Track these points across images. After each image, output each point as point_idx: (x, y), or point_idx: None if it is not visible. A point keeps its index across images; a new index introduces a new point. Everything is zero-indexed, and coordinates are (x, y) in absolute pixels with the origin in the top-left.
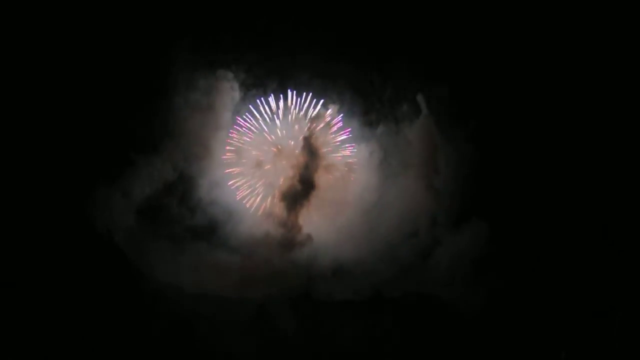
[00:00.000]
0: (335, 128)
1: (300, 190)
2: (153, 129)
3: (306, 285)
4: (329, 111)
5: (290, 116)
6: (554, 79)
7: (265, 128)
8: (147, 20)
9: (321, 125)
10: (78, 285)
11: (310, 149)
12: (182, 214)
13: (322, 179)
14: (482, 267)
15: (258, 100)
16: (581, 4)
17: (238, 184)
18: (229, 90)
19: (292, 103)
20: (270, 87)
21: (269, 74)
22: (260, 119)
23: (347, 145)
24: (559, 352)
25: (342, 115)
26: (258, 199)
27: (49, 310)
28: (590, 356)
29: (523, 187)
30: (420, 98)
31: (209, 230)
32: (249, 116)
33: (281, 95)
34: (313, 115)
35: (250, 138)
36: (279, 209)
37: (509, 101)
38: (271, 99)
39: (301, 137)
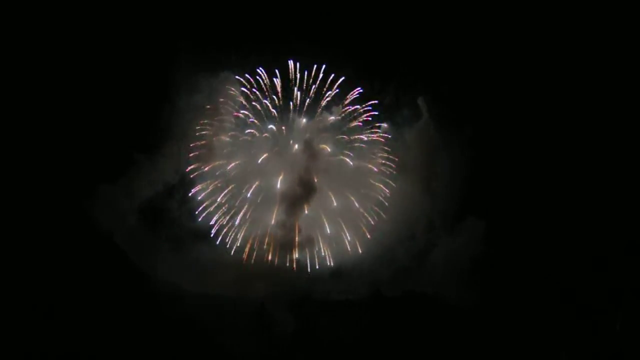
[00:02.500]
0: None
1: (301, 193)
2: (156, 130)
3: (306, 286)
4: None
5: (291, 118)
6: (548, 84)
7: (266, 129)
8: (151, 25)
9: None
10: (79, 284)
11: (312, 152)
12: (183, 215)
13: (323, 181)
14: (479, 266)
15: (257, 102)
16: (573, 15)
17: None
18: (232, 92)
19: (294, 104)
20: (272, 89)
21: (270, 77)
22: (261, 119)
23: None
24: (559, 353)
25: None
26: (239, 237)
27: (50, 308)
28: (591, 356)
29: (519, 188)
30: (421, 101)
31: (209, 231)
32: (251, 118)
33: (282, 96)
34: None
35: (250, 137)
36: (280, 213)
37: (506, 104)
38: (272, 99)
39: (304, 140)
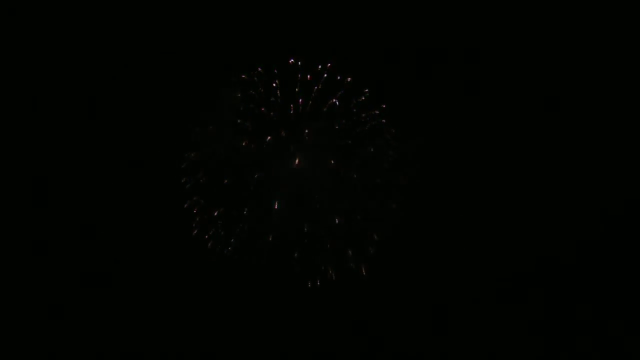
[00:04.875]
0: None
1: (302, 206)
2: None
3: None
4: None
5: (292, 123)
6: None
7: (265, 136)
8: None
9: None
10: None
11: (314, 162)
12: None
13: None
14: None
15: (256, 106)
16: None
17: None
18: (231, 95)
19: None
20: (272, 91)
21: (270, 78)
22: (259, 125)
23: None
24: None
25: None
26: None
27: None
28: None
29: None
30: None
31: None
32: (249, 123)
33: (283, 99)
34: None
35: (249, 144)
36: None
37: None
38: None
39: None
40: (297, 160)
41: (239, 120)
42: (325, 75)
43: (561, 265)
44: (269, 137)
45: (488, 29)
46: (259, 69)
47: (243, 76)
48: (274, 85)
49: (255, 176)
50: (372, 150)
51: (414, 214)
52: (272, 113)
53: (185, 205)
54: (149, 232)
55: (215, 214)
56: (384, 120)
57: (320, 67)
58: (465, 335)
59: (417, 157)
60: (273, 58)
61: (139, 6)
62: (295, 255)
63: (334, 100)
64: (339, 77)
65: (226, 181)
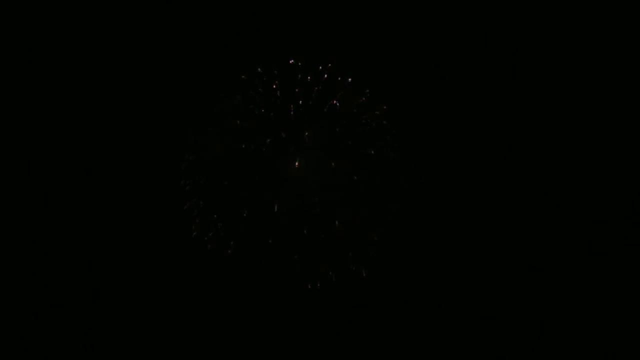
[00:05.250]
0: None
1: (302, 210)
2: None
3: None
4: None
5: (292, 125)
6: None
7: (265, 138)
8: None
9: None
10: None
11: (314, 164)
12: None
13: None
14: None
15: (255, 107)
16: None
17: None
18: (228, 97)
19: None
20: (271, 92)
21: (270, 78)
22: (258, 127)
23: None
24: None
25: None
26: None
27: None
28: None
29: None
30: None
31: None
32: (248, 125)
33: (282, 100)
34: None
35: (248, 147)
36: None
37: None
38: (271, 104)
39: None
40: (297, 162)
41: (238, 122)
42: (326, 75)
43: (561, 267)
44: (268, 139)
45: (490, 29)
46: (259, 69)
47: (243, 77)
48: (274, 86)
49: (255, 178)
50: (372, 151)
51: (415, 214)
52: (271, 114)
53: (185, 207)
54: (148, 234)
55: (215, 215)
56: (385, 122)
57: (320, 67)
58: (466, 335)
59: (418, 157)
60: (273, 58)
61: (137, 6)
62: (295, 257)
63: (334, 101)
64: (339, 78)
65: (226, 183)
